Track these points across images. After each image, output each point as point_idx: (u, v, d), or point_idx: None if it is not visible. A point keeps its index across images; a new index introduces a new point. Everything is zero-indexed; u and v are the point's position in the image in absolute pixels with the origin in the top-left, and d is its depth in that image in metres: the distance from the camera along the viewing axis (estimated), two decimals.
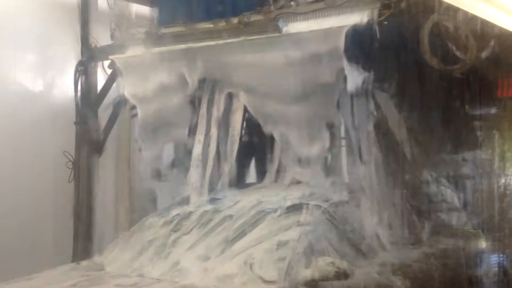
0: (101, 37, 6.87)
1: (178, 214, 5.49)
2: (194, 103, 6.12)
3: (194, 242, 5.10)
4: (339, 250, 4.84)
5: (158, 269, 4.96)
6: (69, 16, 7.01)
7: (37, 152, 6.92)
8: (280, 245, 4.68)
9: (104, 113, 7.01)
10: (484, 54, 5.07)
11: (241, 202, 5.38)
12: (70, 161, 6.96)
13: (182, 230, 5.30)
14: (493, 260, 5.84)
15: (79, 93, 6.96)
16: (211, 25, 5.86)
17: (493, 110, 5.40)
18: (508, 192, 4.94)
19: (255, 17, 5.52)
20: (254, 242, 4.81)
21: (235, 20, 5.62)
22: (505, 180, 5.08)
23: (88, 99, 7.01)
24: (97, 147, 7.10)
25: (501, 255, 5.61)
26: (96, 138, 7.07)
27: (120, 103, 6.85)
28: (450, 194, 6.19)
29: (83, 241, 6.76)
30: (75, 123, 6.99)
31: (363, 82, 5.27)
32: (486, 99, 5.46)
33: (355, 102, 5.41)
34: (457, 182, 6.12)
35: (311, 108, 5.49)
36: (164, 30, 6.08)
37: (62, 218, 6.94)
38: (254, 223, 5.01)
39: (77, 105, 6.96)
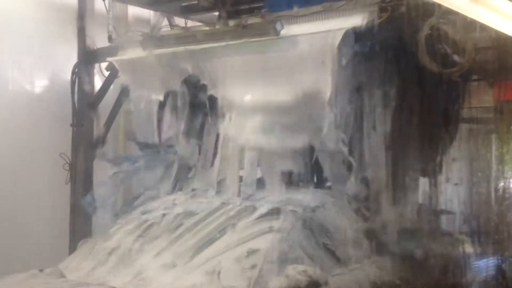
0: (98, 39, 6.87)
1: (146, 219, 5.30)
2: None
3: (161, 249, 4.89)
4: (314, 257, 4.62)
5: (122, 277, 4.74)
6: (66, 18, 7.01)
7: (34, 153, 6.91)
8: (251, 252, 4.47)
9: (101, 114, 7.03)
10: (481, 57, 5.08)
11: (214, 205, 5.19)
12: (67, 162, 6.95)
13: (150, 236, 5.10)
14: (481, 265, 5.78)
15: (76, 95, 6.97)
16: (209, 28, 5.87)
17: (490, 113, 5.41)
18: (507, 195, 4.95)
19: (253, 20, 5.52)
20: (224, 249, 4.61)
21: (233, 23, 5.61)
22: (504, 183, 5.09)
23: (85, 101, 7.00)
24: (94, 149, 7.09)
25: (499, 259, 5.58)
26: (93, 139, 7.07)
27: (119, 103, 6.88)
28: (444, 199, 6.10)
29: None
30: (71, 125, 6.99)
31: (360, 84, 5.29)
32: (483, 102, 5.47)
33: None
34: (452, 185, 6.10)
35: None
36: (162, 33, 6.09)
37: (59, 219, 6.93)
38: (225, 228, 4.82)
39: (74, 106, 6.96)
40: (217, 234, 4.81)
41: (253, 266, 4.35)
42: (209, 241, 4.78)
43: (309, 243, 4.69)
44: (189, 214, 5.18)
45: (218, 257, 4.55)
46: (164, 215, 5.29)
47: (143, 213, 5.52)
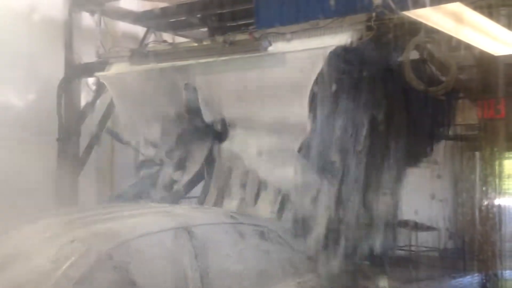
0: (86, 55, 6.87)
1: None
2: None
3: None
4: None
5: None
6: (54, 33, 7.00)
7: (19, 167, 6.85)
8: None
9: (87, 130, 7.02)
10: (464, 76, 5.14)
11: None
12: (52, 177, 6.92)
13: None
14: None
15: (62, 109, 6.95)
16: (196, 44, 5.90)
17: (473, 131, 5.46)
18: (490, 215, 4.97)
19: (240, 36, 5.57)
20: None
21: (220, 39, 5.66)
22: (487, 201, 5.11)
23: (71, 116, 6.99)
24: (79, 164, 7.07)
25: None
26: (79, 155, 7.05)
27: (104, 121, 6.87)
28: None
29: None
30: (57, 140, 6.97)
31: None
32: (467, 120, 5.53)
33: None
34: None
35: None
36: (150, 48, 6.11)
37: None
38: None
39: (60, 121, 6.94)
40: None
41: None
42: None
43: None
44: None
45: None
46: None
47: None
